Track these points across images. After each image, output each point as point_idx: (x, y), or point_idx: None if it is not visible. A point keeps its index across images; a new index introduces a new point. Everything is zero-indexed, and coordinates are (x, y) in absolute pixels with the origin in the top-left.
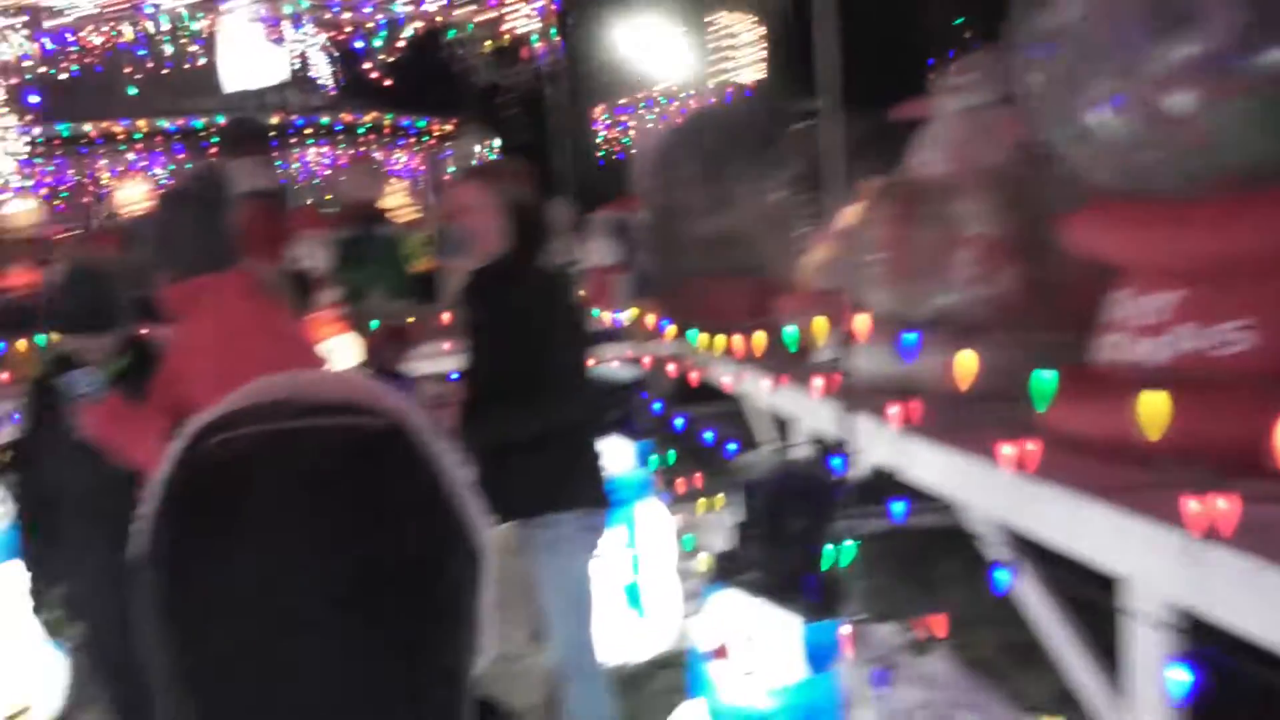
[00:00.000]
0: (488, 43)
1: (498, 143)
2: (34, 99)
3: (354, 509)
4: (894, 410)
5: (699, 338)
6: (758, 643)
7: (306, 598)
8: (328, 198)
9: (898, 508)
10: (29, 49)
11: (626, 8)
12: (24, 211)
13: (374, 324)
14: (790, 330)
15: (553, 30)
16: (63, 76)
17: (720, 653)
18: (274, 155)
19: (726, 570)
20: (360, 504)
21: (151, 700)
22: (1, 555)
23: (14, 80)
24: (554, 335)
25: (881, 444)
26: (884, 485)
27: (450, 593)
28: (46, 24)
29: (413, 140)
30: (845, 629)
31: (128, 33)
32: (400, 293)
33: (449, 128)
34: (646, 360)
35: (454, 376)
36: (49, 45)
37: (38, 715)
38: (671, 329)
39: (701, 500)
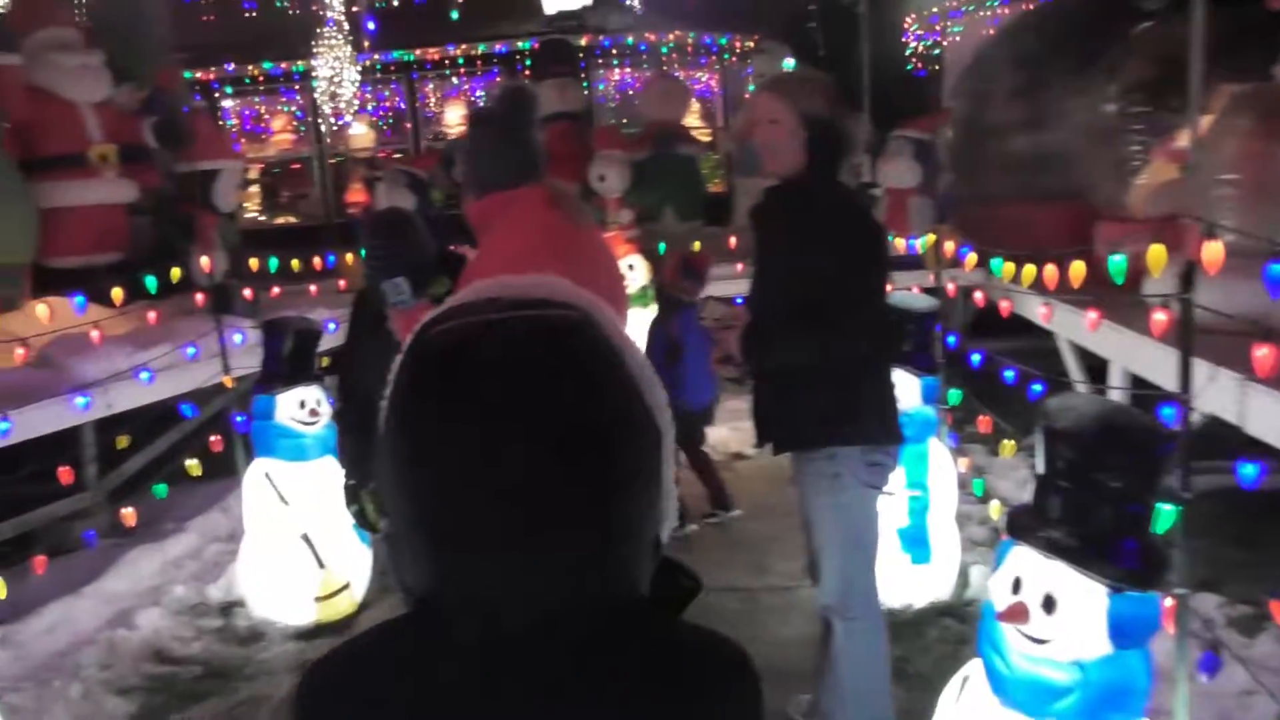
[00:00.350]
0: None
1: (793, 62)
2: (370, 26)
3: (545, 387)
4: (1261, 353)
5: (1004, 266)
6: (1057, 608)
7: (507, 461)
8: (624, 121)
9: (1248, 470)
10: None
11: None
12: (361, 134)
13: (661, 247)
14: (1117, 260)
15: None
16: (395, 3)
17: (1012, 614)
18: (581, 76)
19: (1024, 525)
20: (550, 383)
21: None
22: (323, 451)
23: (355, 9)
24: (848, 258)
25: (1221, 393)
26: (1220, 440)
27: (633, 463)
28: None
29: (713, 59)
30: (1164, 601)
31: None
32: (692, 214)
33: (750, 44)
34: (950, 289)
35: (739, 301)
36: None
37: (354, 594)
38: (972, 257)
39: (1004, 444)
